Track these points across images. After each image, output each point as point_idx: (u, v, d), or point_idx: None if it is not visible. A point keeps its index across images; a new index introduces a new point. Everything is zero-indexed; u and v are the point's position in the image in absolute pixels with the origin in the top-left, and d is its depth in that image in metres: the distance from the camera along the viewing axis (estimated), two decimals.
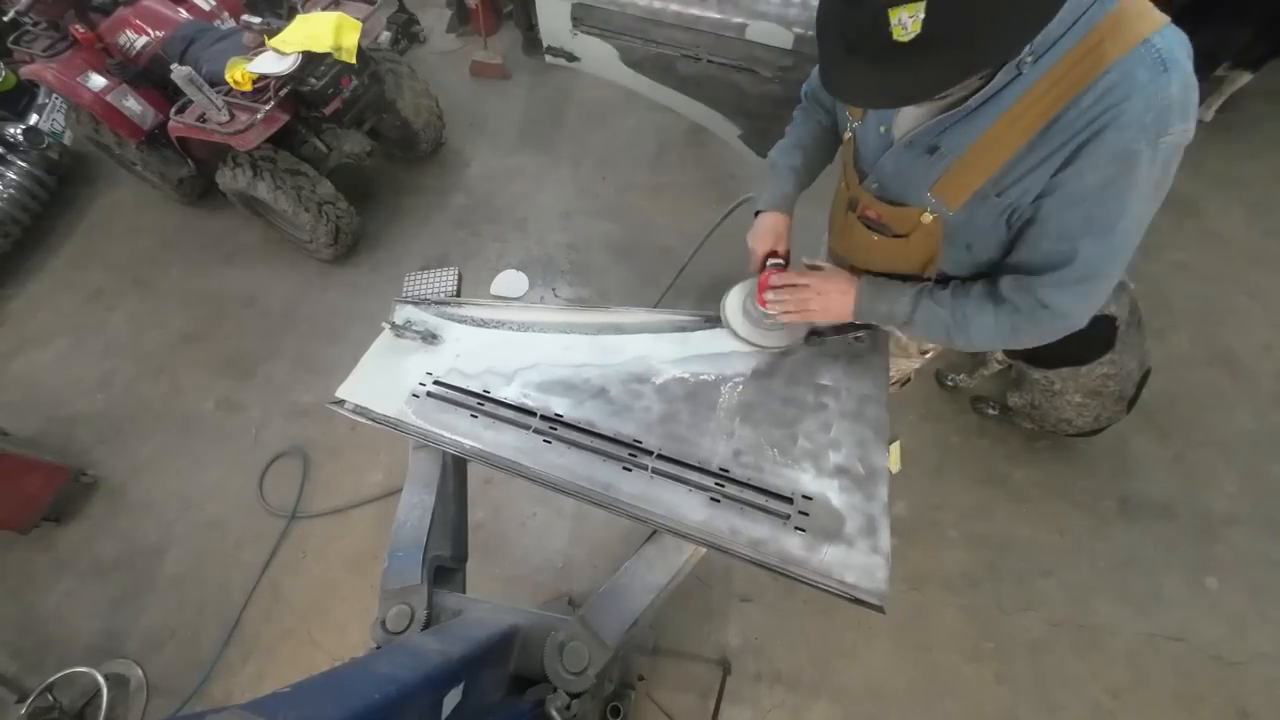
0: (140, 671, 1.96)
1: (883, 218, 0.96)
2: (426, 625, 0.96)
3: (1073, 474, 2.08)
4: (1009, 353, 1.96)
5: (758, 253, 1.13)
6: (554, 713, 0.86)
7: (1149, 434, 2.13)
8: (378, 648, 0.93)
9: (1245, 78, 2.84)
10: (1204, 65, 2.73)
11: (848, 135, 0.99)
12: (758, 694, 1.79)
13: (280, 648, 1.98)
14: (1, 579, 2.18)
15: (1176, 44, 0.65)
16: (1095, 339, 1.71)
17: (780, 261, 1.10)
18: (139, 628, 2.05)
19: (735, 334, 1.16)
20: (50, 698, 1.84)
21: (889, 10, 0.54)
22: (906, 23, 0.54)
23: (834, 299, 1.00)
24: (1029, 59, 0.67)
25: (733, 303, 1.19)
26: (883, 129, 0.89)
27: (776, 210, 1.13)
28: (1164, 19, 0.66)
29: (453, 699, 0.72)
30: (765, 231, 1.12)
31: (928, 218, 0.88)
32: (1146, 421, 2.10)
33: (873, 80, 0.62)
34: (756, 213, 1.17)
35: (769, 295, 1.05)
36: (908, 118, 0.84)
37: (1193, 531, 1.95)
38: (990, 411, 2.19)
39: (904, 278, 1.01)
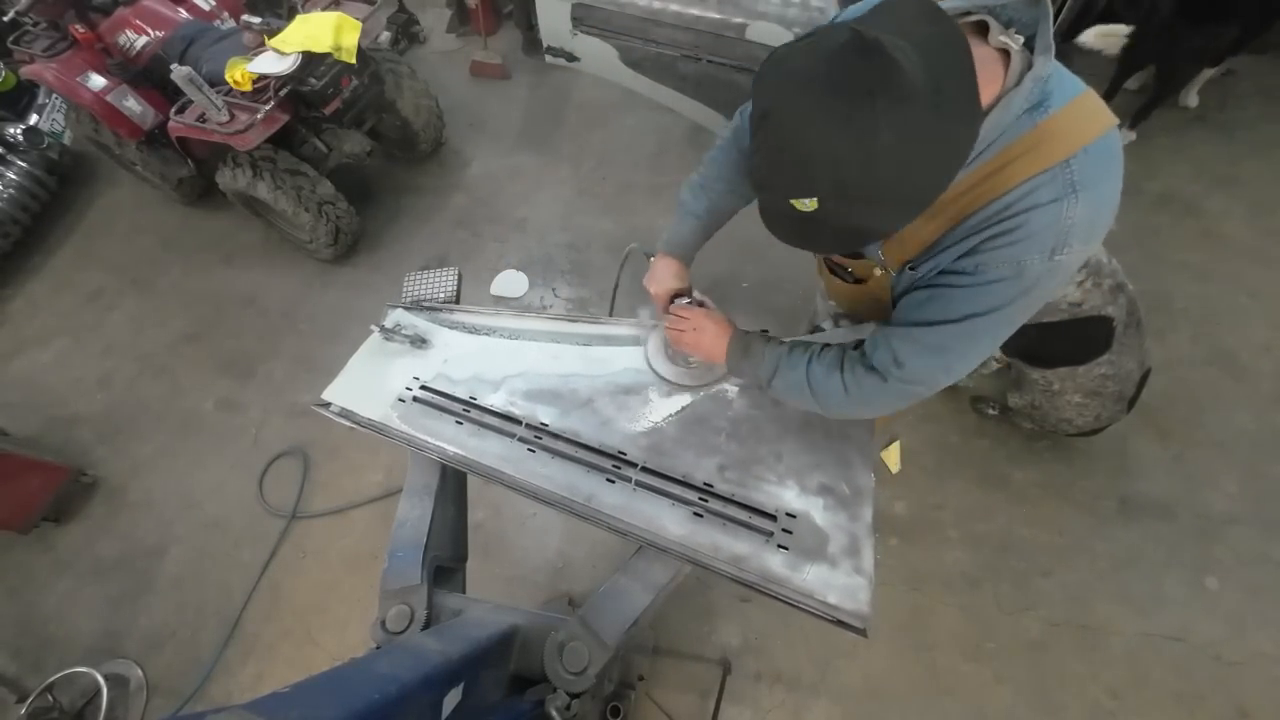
0: (140, 671, 1.96)
1: (844, 264, 1.02)
2: (426, 625, 0.96)
3: (1073, 474, 2.08)
4: (1007, 351, 1.96)
5: (660, 297, 1.14)
6: (554, 713, 0.86)
7: (1149, 434, 2.13)
8: (378, 648, 0.93)
9: (1220, 68, 2.91)
10: (1194, 63, 2.78)
11: None
12: (758, 694, 1.79)
13: (280, 648, 1.98)
14: (1, 579, 2.18)
15: (1100, 163, 0.66)
16: (1092, 340, 1.71)
17: (687, 301, 1.12)
18: (139, 628, 2.05)
19: (662, 377, 1.16)
20: (50, 698, 1.84)
21: (791, 200, 0.62)
22: (806, 203, 0.61)
23: (706, 339, 1.04)
24: None
25: (654, 347, 1.20)
26: None
27: (673, 256, 1.14)
28: (1100, 131, 0.67)
29: (453, 699, 0.72)
30: (666, 275, 1.13)
31: (878, 272, 0.93)
32: (1146, 421, 2.10)
33: (783, 231, 0.69)
34: (649, 256, 1.19)
35: (667, 320, 1.08)
36: None
37: (1193, 531, 1.95)
38: (990, 411, 2.19)
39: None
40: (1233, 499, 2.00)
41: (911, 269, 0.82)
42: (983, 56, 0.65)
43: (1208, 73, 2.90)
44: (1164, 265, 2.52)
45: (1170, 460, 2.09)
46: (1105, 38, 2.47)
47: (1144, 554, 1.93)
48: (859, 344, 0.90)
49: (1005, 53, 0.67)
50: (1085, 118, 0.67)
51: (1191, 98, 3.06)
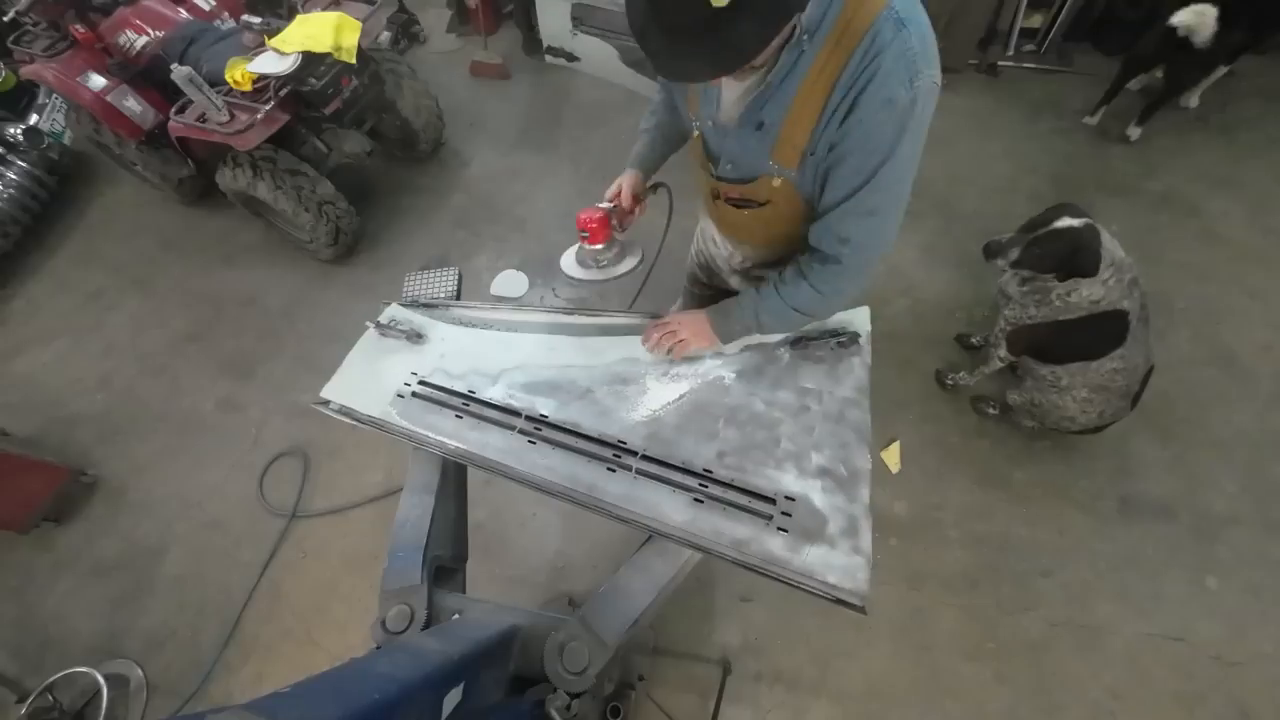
0: (140, 671, 1.96)
1: (743, 194, 1.07)
2: (426, 625, 0.96)
3: (1073, 474, 2.08)
4: (1014, 350, 1.96)
5: (614, 197, 1.26)
6: (554, 713, 0.86)
7: (1149, 434, 2.13)
8: (378, 648, 0.93)
9: (1222, 70, 2.91)
10: (1203, 69, 2.78)
11: (696, 134, 1.09)
12: (758, 694, 1.79)
13: (280, 648, 1.98)
14: (1, 579, 2.18)
15: (911, 3, 0.78)
16: (1109, 335, 1.71)
17: (606, 206, 1.23)
18: (139, 628, 2.05)
19: (577, 280, 1.31)
20: (50, 698, 1.84)
21: None
22: None
23: (697, 328, 1.12)
24: (805, 38, 0.79)
25: (567, 259, 1.34)
26: (711, 123, 1.01)
27: (631, 169, 1.29)
28: None
29: (453, 699, 0.72)
30: (621, 184, 1.28)
31: (776, 181, 0.98)
32: (1147, 421, 2.10)
33: (700, 56, 0.73)
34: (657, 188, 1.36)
35: (649, 344, 1.16)
36: (730, 104, 0.96)
37: (1193, 531, 1.95)
38: (990, 411, 2.19)
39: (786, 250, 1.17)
40: (1233, 499, 2.00)
41: (812, 154, 0.90)
42: None
43: (1219, 71, 2.90)
44: (1164, 265, 2.52)
45: (1170, 460, 2.09)
46: (1198, 16, 2.45)
47: (1144, 554, 1.93)
48: (809, 251, 1.00)
49: None
50: None
51: (1193, 99, 3.07)
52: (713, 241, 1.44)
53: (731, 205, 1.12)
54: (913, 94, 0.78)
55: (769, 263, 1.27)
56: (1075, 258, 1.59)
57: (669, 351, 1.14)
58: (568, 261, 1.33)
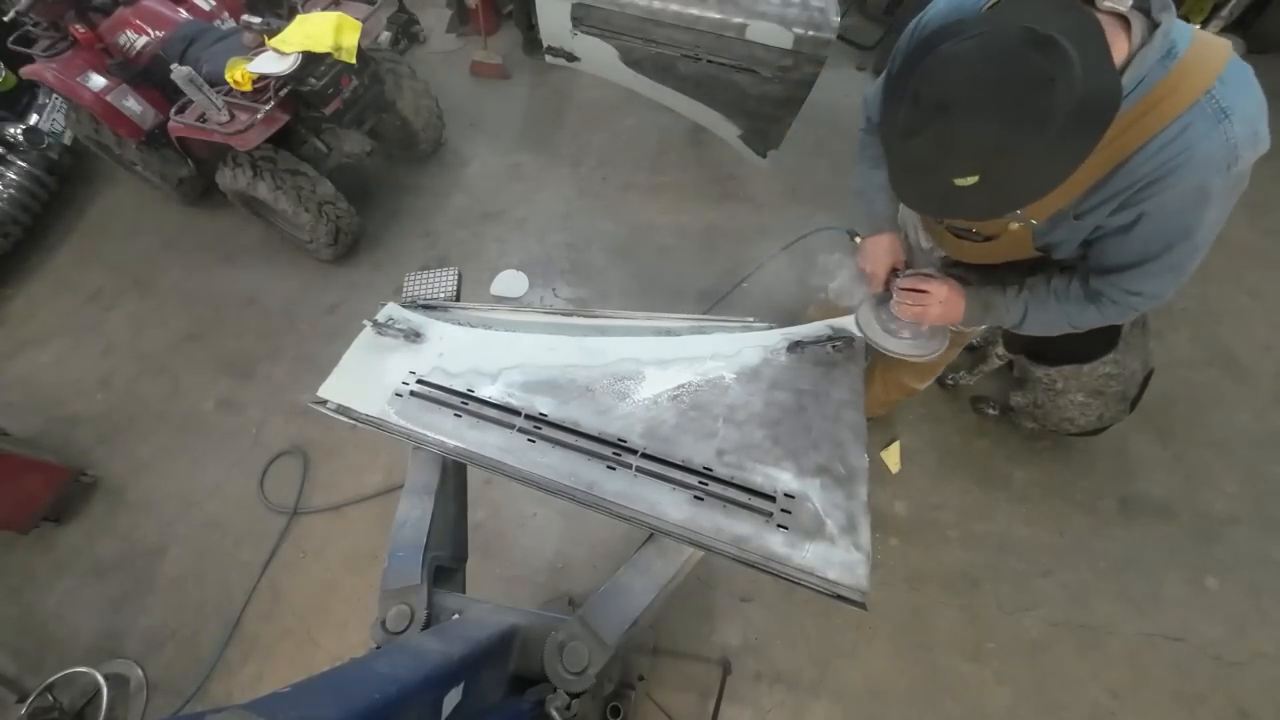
0: (140, 671, 1.96)
1: (973, 227, 1.07)
2: (426, 625, 0.96)
3: (1073, 474, 2.08)
4: (1010, 349, 1.96)
5: (879, 274, 1.19)
6: (554, 713, 0.86)
7: (1149, 434, 2.13)
8: (378, 648, 0.93)
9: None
10: None
11: None
12: (758, 694, 1.79)
13: (280, 648, 1.98)
14: (1, 579, 2.18)
15: (1237, 84, 0.75)
16: (1098, 338, 1.71)
17: (907, 274, 1.15)
18: (139, 628, 2.05)
19: (876, 343, 1.18)
20: (50, 698, 1.84)
21: (954, 179, 0.71)
22: (969, 179, 0.70)
23: (952, 307, 1.10)
24: None
25: (865, 314, 1.21)
26: None
27: (882, 232, 1.21)
28: (1226, 58, 0.75)
29: (453, 699, 0.72)
30: (881, 253, 1.19)
31: (1015, 226, 0.98)
32: (1147, 421, 2.10)
33: (936, 208, 0.82)
34: (853, 237, 1.28)
35: (896, 295, 1.12)
36: None
37: (1193, 531, 1.95)
38: (990, 411, 2.19)
39: (993, 267, 1.16)
40: (1233, 499, 2.00)
41: (1077, 218, 0.89)
42: (1103, 23, 0.73)
43: None
44: None
45: (1170, 460, 2.09)
46: None
47: (1144, 554, 1.93)
48: (1085, 273, 0.99)
49: (1117, 14, 0.76)
50: (1209, 53, 0.76)
51: None
52: (918, 232, 1.38)
53: (954, 234, 1.12)
54: (1229, 179, 0.77)
55: (974, 268, 1.24)
56: None
57: (910, 315, 1.12)
58: (870, 327, 1.19)
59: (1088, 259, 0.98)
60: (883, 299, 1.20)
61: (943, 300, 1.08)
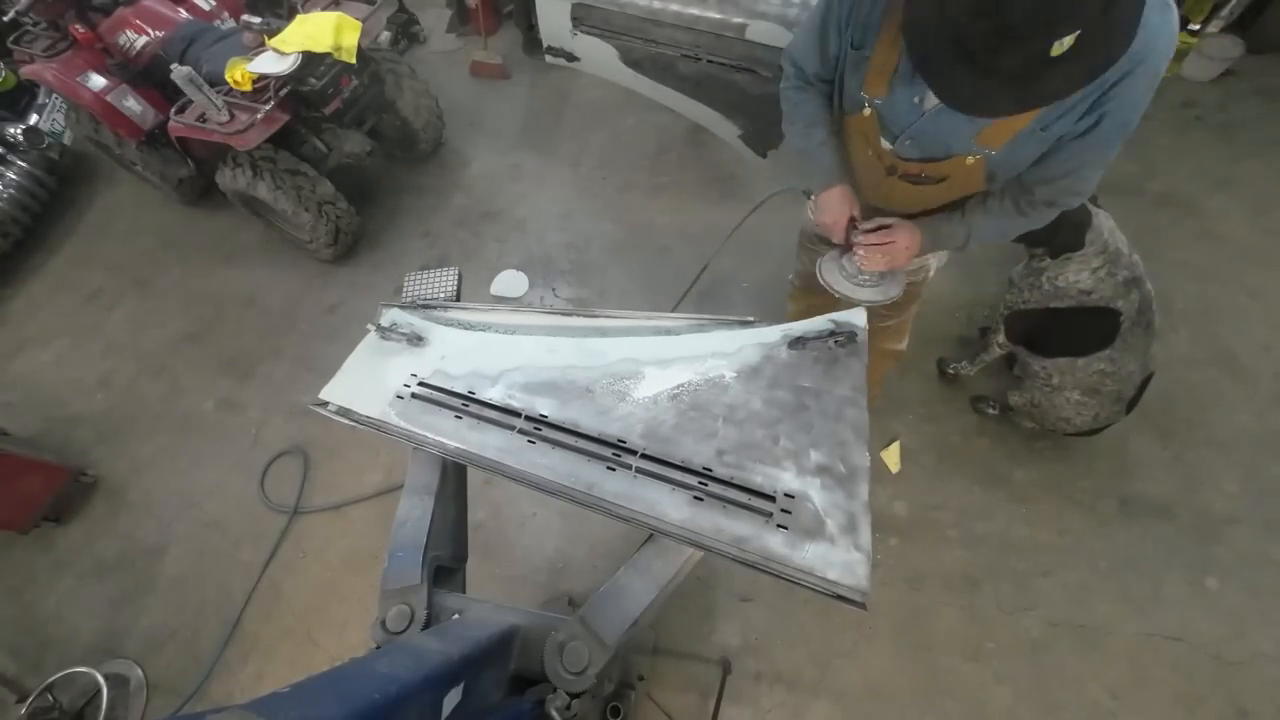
0: (140, 671, 1.96)
1: (925, 171, 1.09)
2: (426, 625, 0.96)
3: (1073, 474, 2.08)
4: (1010, 335, 1.96)
5: (840, 224, 1.22)
6: (554, 713, 0.86)
7: (1149, 434, 2.13)
8: (378, 648, 0.93)
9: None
10: None
11: (867, 112, 1.07)
12: (758, 694, 1.79)
13: (280, 648, 1.98)
14: (1, 579, 2.18)
15: None
16: (1096, 332, 1.71)
17: (867, 226, 1.20)
18: (139, 628, 2.05)
19: (846, 296, 1.23)
20: (50, 698, 1.84)
21: (1051, 43, 0.66)
22: (1065, 41, 0.66)
23: (912, 239, 1.15)
24: None
25: (830, 271, 1.27)
26: (916, 100, 0.99)
27: (834, 184, 1.22)
28: None
29: (453, 699, 0.72)
30: (836, 203, 1.21)
31: (970, 160, 1.01)
32: (1146, 421, 2.10)
33: (1007, 97, 0.74)
34: (809, 194, 1.32)
35: (860, 252, 1.18)
36: None
37: (1193, 531, 1.95)
38: (990, 411, 2.19)
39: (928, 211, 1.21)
40: (1233, 499, 2.00)
41: (1042, 129, 0.91)
42: None
43: None
44: (1164, 265, 2.51)
45: (1170, 460, 2.09)
46: None
47: (1144, 554, 1.93)
48: (1023, 188, 1.04)
49: None
50: None
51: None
52: (839, 263, 1.41)
53: (909, 182, 1.14)
54: (1168, 62, 0.81)
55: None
56: (1060, 230, 1.58)
57: (871, 264, 1.17)
58: (834, 278, 1.27)
59: (1024, 175, 1.02)
60: (843, 252, 1.25)
61: (906, 243, 1.15)
